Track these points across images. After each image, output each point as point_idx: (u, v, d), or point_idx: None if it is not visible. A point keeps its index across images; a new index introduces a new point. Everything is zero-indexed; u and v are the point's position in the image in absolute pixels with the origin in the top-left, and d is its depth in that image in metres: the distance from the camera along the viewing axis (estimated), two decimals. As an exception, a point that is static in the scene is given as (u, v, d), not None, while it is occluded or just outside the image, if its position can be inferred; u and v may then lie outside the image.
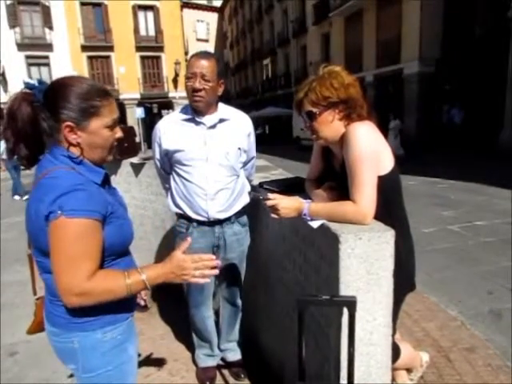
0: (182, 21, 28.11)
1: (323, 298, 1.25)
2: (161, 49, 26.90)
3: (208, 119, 1.89)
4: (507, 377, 2.16)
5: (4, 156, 7.90)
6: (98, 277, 1.05)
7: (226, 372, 2.31)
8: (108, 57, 25.97)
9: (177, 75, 27.15)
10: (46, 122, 1.11)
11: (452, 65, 14.49)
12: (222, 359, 2.35)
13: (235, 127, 1.96)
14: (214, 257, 1.21)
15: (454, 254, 4.18)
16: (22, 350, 2.69)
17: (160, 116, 28.91)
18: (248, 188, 2.10)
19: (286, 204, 1.45)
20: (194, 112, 1.88)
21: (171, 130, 1.92)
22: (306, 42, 25.08)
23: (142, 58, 26.80)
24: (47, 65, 24.69)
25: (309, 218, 1.44)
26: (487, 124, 13.13)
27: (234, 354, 2.32)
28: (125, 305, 1.20)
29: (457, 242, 4.54)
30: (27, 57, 23.95)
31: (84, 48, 25.04)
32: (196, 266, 1.14)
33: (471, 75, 13.82)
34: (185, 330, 2.61)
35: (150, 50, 26.77)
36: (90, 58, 25.50)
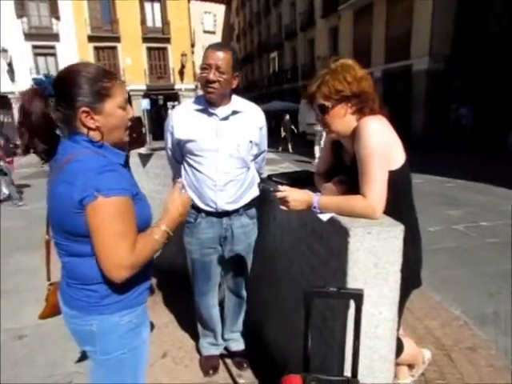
0: (189, 12, 27.93)
1: (330, 290, 1.26)
2: (167, 40, 26.76)
3: (221, 111, 1.89)
4: (509, 376, 2.16)
5: None
6: (138, 246, 1.11)
7: (229, 361, 2.34)
8: (114, 47, 25.86)
9: (183, 67, 27.01)
10: (62, 112, 1.13)
11: (463, 62, 14.31)
12: (226, 349, 2.37)
13: (248, 120, 1.96)
14: (181, 182, 1.37)
15: (458, 253, 4.17)
16: (29, 333, 2.74)
17: (165, 108, 28.92)
18: (258, 181, 2.11)
19: (296, 196, 1.46)
20: (207, 103, 1.88)
21: (184, 119, 1.93)
22: (314, 35, 24.84)
23: (149, 49, 26.67)
24: (54, 55, 24.63)
25: (318, 211, 1.44)
26: (497, 124, 12.98)
27: (238, 344, 2.35)
28: (140, 290, 1.24)
29: (461, 241, 4.54)
30: (34, 47, 23.90)
31: (90, 38, 24.95)
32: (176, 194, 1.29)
33: (482, 73, 13.65)
34: (188, 319, 2.64)
35: (156, 42, 26.62)
36: (96, 48, 25.39)
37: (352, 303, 1.27)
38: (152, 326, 2.47)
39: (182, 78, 27.15)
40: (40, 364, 2.38)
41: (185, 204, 1.28)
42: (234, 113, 1.92)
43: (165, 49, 27.03)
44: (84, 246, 1.11)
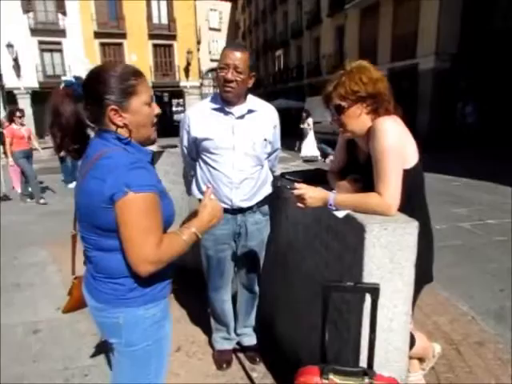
0: (195, 9, 27.95)
1: (347, 284, 1.31)
2: (173, 37, 26.80)
3: (237, 109, 1.94)
4: (516, 371, 2.22)
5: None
6: (165, 243, 1.14)
7: (241, 356, 2.39)
8: (120, 44, 25.94)
9: (188, 64, 27.05)
10: (91, 111, 1.18)
11: (469, 61, 14.26)
12: (238, 343, 2.42)
13: (262, 118, 2.00)
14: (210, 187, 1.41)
15: (464, 251, 4.21)
16: (44, 327, 2.80)
17: (170, 105, 28.93)
18: (271, 178, 2.16)
19: (313, 194, 1.51)
20: (224, 102, 1.93)
21: (200, 118, 1.97)
22: (320, 34, 24.79)
23: (155, 46, 26.73)
24: (60, 51, 24.73)
25: (334, 208, 1.49)
26: (503, 122, 12.94)
27: (250, 339, 2.40)
28: (164, 284, 1.28)
29: (468, 239, 4.57)
30: (40, 42, 23.97)
31: (97, 35, 25.04)
32: (207, 198, 1.33)
33: (488, 72, 13.60)
34: (200, 314, 2.70)
35: (162, 38, 26.69)
36: (102, 44, 25.49)
37: (367, 297, 1.32)
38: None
39: (187, 76, 27.21)
40: (56, 358, 2.43)
41: (215, 209, 1.32)
42: (250, 111, 1.96)
43: (170, 46, 27.08)
44: (112, 241, 1.15)
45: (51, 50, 24.63)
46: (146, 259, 1.11)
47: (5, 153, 7.19)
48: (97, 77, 1.18)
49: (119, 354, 1.31)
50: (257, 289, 2.32)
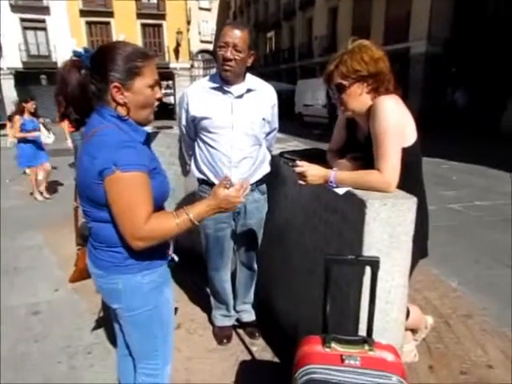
0: (185, -12, 27.26)
1: (349, 257, 1.37)
2: (162, 17, 26.14)
3: (236, 89, 1.94)
4: (501, 339, 2.36)
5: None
6: (153, 220, 1.17)
7: (241, 332, 2.46)
8: (107, 23, 25.24)
9: (178, 45, 26.50)
10: (95, 85, 1.20)
11: (460, 46, 14.27)
12: (238, 320, 2.49)
13: (261, 98, 2.01)
14: (249, 180, 1.43)
15: (455, 230, 4.34)
16: (44, 309, 2.83)
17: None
18: (269, 158, 2.18)
19: (314, 171, 1.54)
20: (223, 81, 1.93)
21: (199, 97, 1.98)
22: (313, 15, 24.44)
23: (143, 25, 26.07)
24: (44, 29, 23.94)
25: (334, 186, 1.53)
26: (491, 107, 13.09)
27: (249, 315, 2.46)
28: (159, 253, 1.33)
29: (457, 219, 4.70)
30: (22, 20, 23.13)
31: (82, 13, 24.28)
32: (239, 194, 1.31)
33: (479, 57, 13.65)
34: (198, 293, 2.76)
35: (151, 18, 26.00)
36: (88, 23, 24.76)
37: (367, 270, 1.38)
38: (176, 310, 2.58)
39: (177, 57, 26.67)
40: (58, 337, 2.47)
41: (224, 202, 1.29)
42: (248, 91, 1.97)
43: (160, 26, 26.44)
44: (106, 214, 1.20)
45: (35, 28, 23.83)
46: (134, 235, 1.16)
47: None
48: (106, 53, 1.20)
49: (122, 320, 1.38)
50: (255, 266, 2.38)
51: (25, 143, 6.03)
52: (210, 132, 1.98)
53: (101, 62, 1.19)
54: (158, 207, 1.29)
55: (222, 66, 1.88)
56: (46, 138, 6.25)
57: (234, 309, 2.46)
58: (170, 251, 1.59)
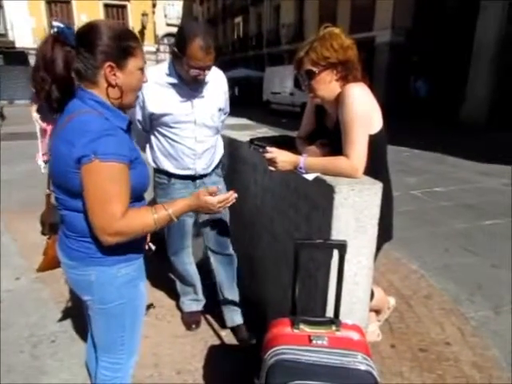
0: (150, -32, 26.20)
1: (317, 241, 1.40)
2: (126, -3, 25.12)
3: (194, 86, 1.92)
4: (457, 318, 2.51)
5: None
6: (128, 215, 1.12)
7: (209, 316, 2.47)
8: (68, 2, 23.90)
9: (144, 28, 25.58)
10: (84, 63, 1.13)
11: (422, 36, 14.72)
12: (205, 306, 2.45)
13: (215, 88, 2.02)
14: (235, 194, 1.38)
15: (415, 216, 4.54)
16: (6, 297, 2.72)
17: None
18: (222, 142, 2.23)
19: (284, 157, 1.56)
20: (182, 80, 1.90)
21: (156, 93, 1.91)
22: (280, 1, 24.27)
23: (106, 6, 24.93)
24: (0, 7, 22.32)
25: (304, 172, 1.56)
26: (451, 97, 13.68)
27: (238, 318, 2.32)
28: (136, 246, 1.29)
29: (418, 205, 4.93)
30: (-27, -4, 21.53)
31: (41, -10, 22.85)
32: (221, 204, 1.32)
33: (439, 48, 14.17)
34: (164, 279, 2.74)
35: (114, -2, 24.93)
36: (48, 3, 23.28)
37: (335, 253, 1.42)
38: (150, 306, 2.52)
39: (142, 40, 25.67)
40: (22, 326, 2.39)
41: (206, 206, 1.31)
42: (205, 84, 1.96)
43: (124, 7, 25.40)
44: (80, 203, 1.14)
45: (-12, 6, 22.16)
46: (104, 230, 1.10)
47: None
48: (97, 30, 1.12)
49: (93, 312, 1.32)
50: (231, 251, 2.27)
51: None
52: (171, 127, 1.96)
53: (92, 41, 1.11)
54: (138, 197, 1.25)
55: (191, 80, 1.85)
56: None
57: (220, 309, 2.34)
58: (147, 241, 1.57)
